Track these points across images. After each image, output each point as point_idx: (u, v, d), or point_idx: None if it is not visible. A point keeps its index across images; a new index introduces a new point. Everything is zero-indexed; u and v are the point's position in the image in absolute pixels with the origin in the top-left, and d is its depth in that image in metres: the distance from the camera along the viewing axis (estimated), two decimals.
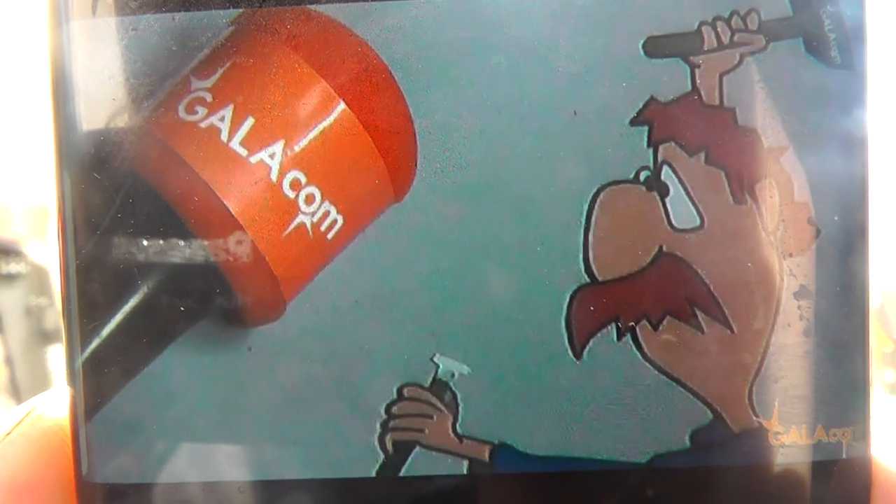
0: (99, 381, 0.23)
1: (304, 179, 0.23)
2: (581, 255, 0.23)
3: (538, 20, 0.23)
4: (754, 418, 0.23)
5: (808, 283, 0.23)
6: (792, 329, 0.23)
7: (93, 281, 0.23)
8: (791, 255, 0.23)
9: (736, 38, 0.23)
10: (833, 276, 0.23)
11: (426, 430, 0.23)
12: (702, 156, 0.23)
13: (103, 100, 0.23)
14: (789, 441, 0.23)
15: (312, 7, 0.23)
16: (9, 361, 1.47)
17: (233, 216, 0.23)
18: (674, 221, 0.23)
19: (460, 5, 0.23)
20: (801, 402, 0.23)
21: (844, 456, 0.23)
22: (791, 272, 0.23)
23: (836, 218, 0.23)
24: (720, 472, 0.23)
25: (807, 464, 0.23)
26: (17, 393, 1.44)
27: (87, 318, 0.23)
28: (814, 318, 0.23)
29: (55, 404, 0.24)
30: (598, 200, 0.23)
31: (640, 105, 0.23)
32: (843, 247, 0.23)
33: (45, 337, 1.53)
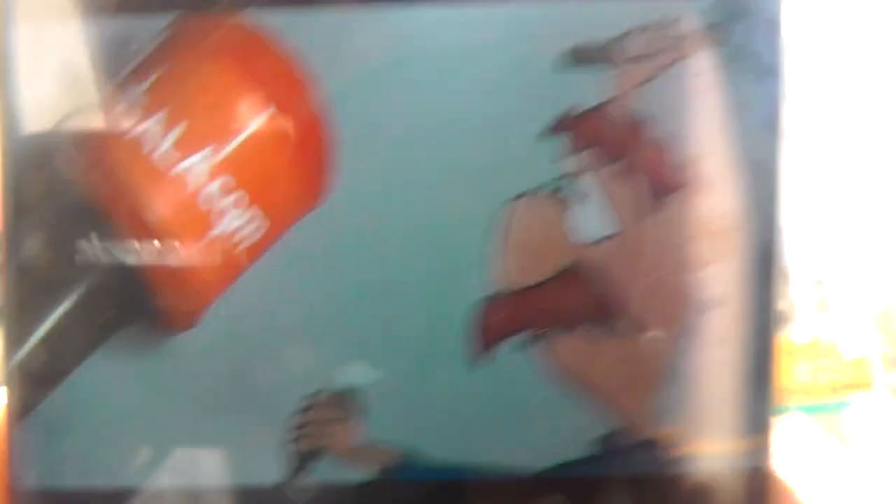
0: (29, 384, 0.24)
1: (229, 186, 0.23)
2: (492, 265, 0.23)
3: (459, 31, 0.23)
4: (659, 427, 0.23)
5: (721, 294, 0.23)
6: (701, 339, 0.23)
7: (26, 283, 0.24)
8: (706, 264, 0.23)
9: (656, 48, 0.23)
10: (745, 287, 0.23)
11: (334, 438, 0.24)
12: (620, 165, 0.23)
13: (37, 104, 0.23)
14: (693, 450, 0.23)
15: (241, 15, 0.23)
16: None
17: (156, 222, 0.23)
18: (590, 230, 0.23)
19: (384, 17, 0.23)
20: (706, 412, 0.23)
21: (746, 466, 0.23)
22: (705, 282, 0.23)
23: (752, 228, 0.23)
24: (624, 481, 0.23)
25: (709, 473, 0.23)
26: None
27: (19, 320, 0.24)
28: (723, 330, 0.23)
29: None
30: (513, 210, 0.23)
31: (559, 114, 0.23)
32: (757, 258, 0.23)
33: None
